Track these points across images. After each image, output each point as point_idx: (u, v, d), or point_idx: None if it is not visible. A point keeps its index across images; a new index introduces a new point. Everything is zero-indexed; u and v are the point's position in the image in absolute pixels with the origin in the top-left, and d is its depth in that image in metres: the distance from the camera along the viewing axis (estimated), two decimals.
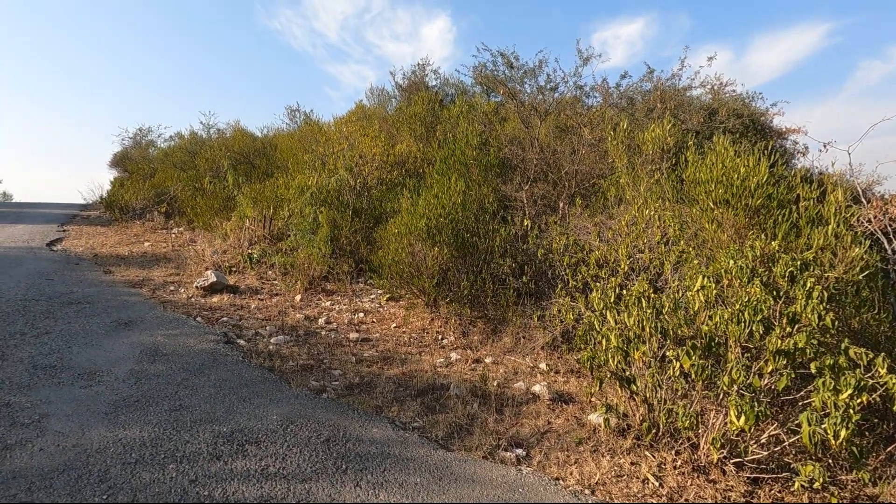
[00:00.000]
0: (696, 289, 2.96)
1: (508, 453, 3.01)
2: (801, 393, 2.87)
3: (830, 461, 3.02)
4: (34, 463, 2.43)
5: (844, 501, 2.72)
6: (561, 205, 7.72)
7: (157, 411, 3.05)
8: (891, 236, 4.29)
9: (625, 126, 5.45)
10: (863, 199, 4.59)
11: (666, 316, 3.04)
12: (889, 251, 4.23)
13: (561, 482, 2.76)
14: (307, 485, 2.44)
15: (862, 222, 4.47)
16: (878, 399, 2.52)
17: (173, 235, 10.80)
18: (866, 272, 3.07)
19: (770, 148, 4.69)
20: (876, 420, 2.98)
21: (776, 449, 2.94)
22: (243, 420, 3.04)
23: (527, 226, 6.32)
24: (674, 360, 2.77)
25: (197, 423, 2.96)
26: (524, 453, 3.05)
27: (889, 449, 2.96)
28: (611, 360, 3.12)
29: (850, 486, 2.87)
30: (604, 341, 3.17)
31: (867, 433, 3.10)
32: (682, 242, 4.32)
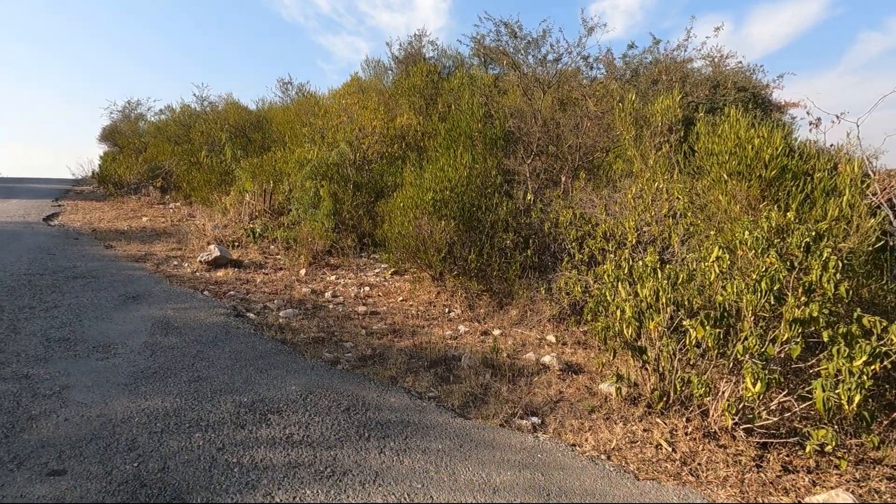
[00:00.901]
0: (711, 260, 2.98)
1: (524, 421, 3.08)
2: (811, 361, 2.93)
3: (836, 426, 3.11)
4: (61, 432, 2.45)
5: (851, 464, 2.81)
6: (563, 178, 7.70)
7: (176, 382, 3.08)
8: None
9: (633, 98, 5.40)
10: (870, 172, 4.61)
11: (680, 287, 3.08)
12: (895, 223, 4.27)
13: (577, 448, 2.83)
14: (333, 451, 2.49)
15: (868, 194, 4.50)
16: (888, 366, 2.59)
17: (171, 210, 10.70)
18: (879, 243, 3.11)
19: (776, 121, 4.69)
20: (887, 386, 3.06)
21: (785, 415, 3.02)
22: (262, 390, 3.08)
23: (530, 200, 6.31)
24: (690, 330, 2.81)
25: (217, 393, 2.99)
26: (539, 421, 3.12)
27: (894, 414, 3.05)
28: (625, 331, 3.17)
29: (855, 451, 2.96)
30: (618, 312, 3.21)
31: (872, 399, 3.19)
32: (689, 215, 4.34)
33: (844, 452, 2.87)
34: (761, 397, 2.83)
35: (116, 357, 3.38)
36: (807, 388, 2.75)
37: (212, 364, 3.39)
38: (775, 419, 2.94)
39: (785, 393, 3.02)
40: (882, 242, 3.18)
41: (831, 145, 4.10)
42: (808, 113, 3.81)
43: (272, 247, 7.48)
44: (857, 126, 4.59)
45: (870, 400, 3.20)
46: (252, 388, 3.10)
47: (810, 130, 3.81)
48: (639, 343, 3.24)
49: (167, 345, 3.65)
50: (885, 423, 3.10)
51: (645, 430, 3.07)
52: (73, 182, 17.08)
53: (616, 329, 3.21)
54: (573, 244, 5.26)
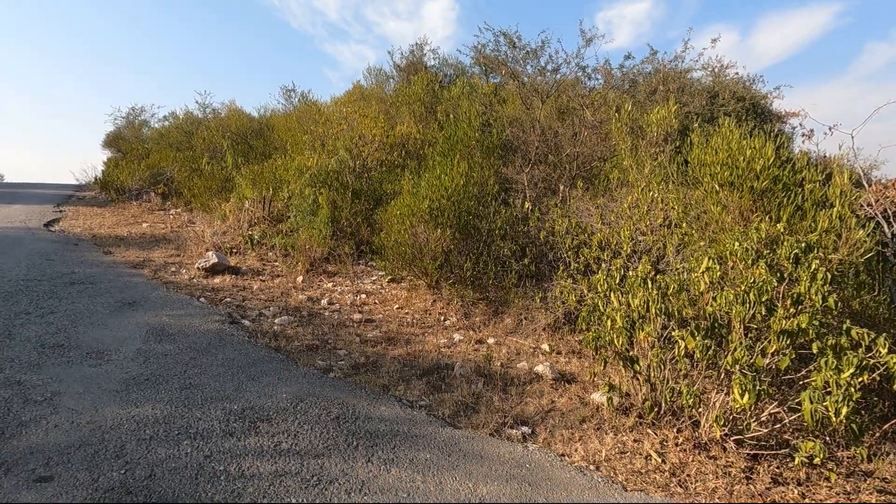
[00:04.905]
0: (701, 270, 2.99)
1: (514, 431, 3.08)
2: (801, 373, 2.93)
3: (828, 438, 3.10)
4: (50, 439, 2.46)
5: (841, 476, 2.80)
6: (561, 187, 7.72)
7: (167, 389, 3.09)
8: (891, 220, 4.33)
9: (629, 108, 5.43)
10: (864, 183, 4.62)
11: (671, 297, 3.08)
12: (889, 235, 4.28)
13: (566, 458, 2.83)
14: (320, 461, 2.49)
15: (863, 206, 4.51)
16: (876, 378, 2.58)
17: (171, 216, 10.75)
18: (868, 255, 3.12)
19: (773, 131, 4.70)
20: (875, 398, 3.05)
21: (775, 427, 3.01)
22: (253, 398, 3.08)
23: (528, 208, 6.32)
24: (679, 341, 2.82)
25: (208, 400, 2.99)
26: (530, 431, 3.11)
27: (885, 426, 3.04)
28: (616, 341, 3.17)
29: (846, 463, 2.95)
30: (609, 322, 3.21)
31: (864, 411, 3.18)
32: (684, 225, 4.35)
33: (835, 465, 2.86)
34: (752, 408, 2.83)
35: (109, 364, 3.39)
36: (796, 400, 2.75)
37: (204, 371, 3.40)
38: (766, 430, 2.94)
39: (776, 404, 3.02)
40: (873, 253, 3.18)
41: (824, 156, 4.11)
42: (800, 124, 3.82)
43: (270, 254, 7.50)
44: (852, 137, 4.61)
45: (863, 412, 3.21)
46: (243, 395, 3.11)
47: (803, 142, 3.82)
48: (630, 353, 3.25)
49: (160, 352, 3.67)
50: (877, 434, 3.09)
51: (635, 441, 3.06)
52: (75, 188, 17.19)
53: (607, 339, 3.21)
54: (569, 253, 5.27)
